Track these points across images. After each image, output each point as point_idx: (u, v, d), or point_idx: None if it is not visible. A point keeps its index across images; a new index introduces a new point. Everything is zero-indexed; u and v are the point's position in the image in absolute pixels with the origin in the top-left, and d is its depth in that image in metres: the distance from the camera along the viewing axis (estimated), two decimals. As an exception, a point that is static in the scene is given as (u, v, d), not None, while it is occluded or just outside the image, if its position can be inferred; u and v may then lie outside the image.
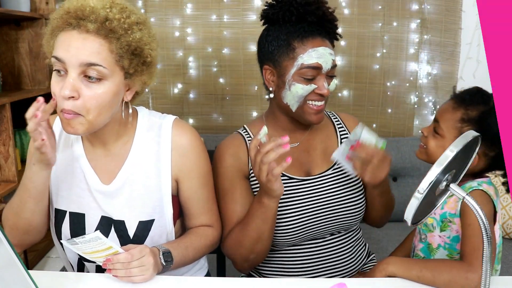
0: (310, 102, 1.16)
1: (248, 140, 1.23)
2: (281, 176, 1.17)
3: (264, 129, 1.02)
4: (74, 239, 0.95)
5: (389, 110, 2.61)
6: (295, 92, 1.14)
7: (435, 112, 2.62)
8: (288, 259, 1.22)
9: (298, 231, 1.18)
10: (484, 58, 2.51)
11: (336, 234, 1.24)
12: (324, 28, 1.17)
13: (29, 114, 0.90)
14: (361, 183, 1.26)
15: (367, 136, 1.11)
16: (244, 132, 1.26)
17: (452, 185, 0.80)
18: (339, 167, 1.24)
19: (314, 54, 1.13)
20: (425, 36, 2.53)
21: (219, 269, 1.46)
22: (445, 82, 2.58)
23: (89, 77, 0.92)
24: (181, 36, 2.56)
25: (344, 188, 1.23)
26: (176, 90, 2.63)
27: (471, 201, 0.78)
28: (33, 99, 2.40)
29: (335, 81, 1.19)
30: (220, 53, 2.57)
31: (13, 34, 2.32)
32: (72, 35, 0.91)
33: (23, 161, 2.27)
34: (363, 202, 1.25)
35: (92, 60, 0.90)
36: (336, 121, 1.33)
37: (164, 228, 1.09)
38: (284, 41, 1.15)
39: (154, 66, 1.03)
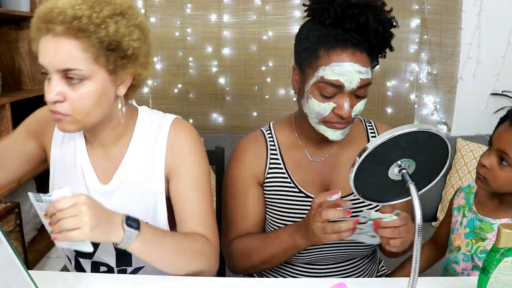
0: (328, 123, 1.03)
1: (271, 142, 1.16)
2: (298, 193, 1.13)
3: (338, 195, 0.95)
4: (41, 194, 0.87)
5: (389, 110, 2.61)
6: (312, 108, 1.03)
7: (435, 112, 2.62)
8: (294, 274, 1.19)
9: (307, 252, 1.12)
10: (484, 58, 2.52)
11: (350, 260, 1.18)
12: (366, 38, 0.99)
13: None
14: None
15: (377, 216, 0.97)
16: (267, 133, 1.17)
17: (411, 186, 0.78)
18: None
19: (336, 70, 0.97)
20: (425, 36, 2.52)
21: (219, 269, 1.46)
22: (445, 82, 2.58)
23: (71, 78, 0.90)
24: (181, 36, 2.56)
25: None
26: (176, 90, 2.63)
27: None
28: (33, 99, 2.39)
29: (363, 102, 1.04)
30: (220, 53, 2.57)
31: (13, 34, 2.31)
32: (47, 40, 0.89)
33: (23, 161, 2.26)
34: None
35: (67, 66, 0.88)
36: (372, 136, 1.19)
37: None
38: (312, 44, 1.01)
39: (143, 56, 0.96)
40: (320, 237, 0.95)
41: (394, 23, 1.04)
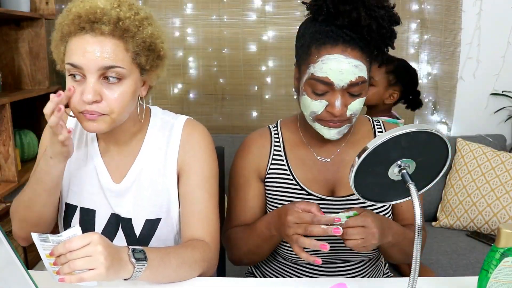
0: (322, 121, 1.03)
1: (275, 139, 1.17)
2: (300, 190, 1.12)
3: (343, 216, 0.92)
4: (48, 235, 0.80)
5: (389, 110, 2.61)
6: (306, 105, 1.03)
7: (435, 112, 2.62)
8: (296, 274, 1.18)
9: (309, 251, 1.09)
10: (484, 58, 2.52)
11: (354, 261, 1.16)
12: (361, 35, 0.96)
13: (49, 109, 0.87)
14: (389, 215, 1.14)
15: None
16: (274, 130, 1.19)
17: (411, 186, 0.78)
18: None
19: (325, 66, 0.96)
20: (425, 36, 2.52)
21: (219, 269, 1.46)
22: (445, 82, 2.58)
23: (108, 79, 0.92)
24: (181, 36, 2.56)
25: None
26: (176, 90, 2.63)
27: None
28: (33, 99, 2.39)
29: (360, 101, 1.01)
30: (220, 53, 2.57)
31: (13, 34, 2.32)
32: (85, 39, 0.90)
33: (23, 161, 2.27)
34: None
35: (110, 63, 0.90)
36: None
37: (171, 227, 1.09)
38: (306, 41, 1.01)
39: (167, 58, 1.05)
40: (287, 238, 0.95)
41: (395, 20, 1.01)
